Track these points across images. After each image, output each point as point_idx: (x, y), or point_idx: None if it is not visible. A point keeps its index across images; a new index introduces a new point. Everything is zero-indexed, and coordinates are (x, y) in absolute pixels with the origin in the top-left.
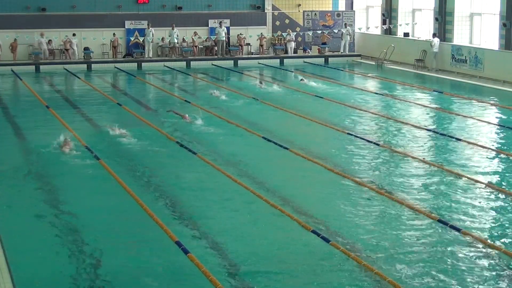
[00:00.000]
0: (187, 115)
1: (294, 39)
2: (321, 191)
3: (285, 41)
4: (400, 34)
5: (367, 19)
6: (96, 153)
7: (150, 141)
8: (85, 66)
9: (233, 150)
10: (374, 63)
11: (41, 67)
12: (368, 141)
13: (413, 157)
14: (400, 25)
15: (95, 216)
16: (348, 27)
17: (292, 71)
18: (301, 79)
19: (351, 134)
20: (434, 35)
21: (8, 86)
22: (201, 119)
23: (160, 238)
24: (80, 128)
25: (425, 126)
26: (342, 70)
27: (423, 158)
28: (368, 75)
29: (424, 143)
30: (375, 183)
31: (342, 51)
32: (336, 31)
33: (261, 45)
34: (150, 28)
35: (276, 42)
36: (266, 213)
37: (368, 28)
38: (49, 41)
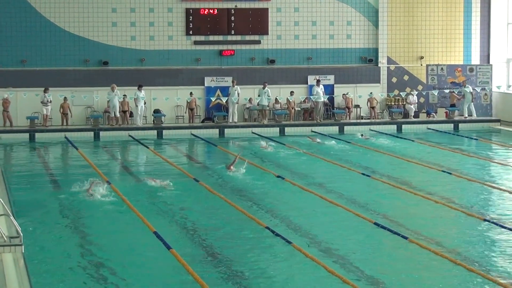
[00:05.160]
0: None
1: (416, 101)
2: None
3: (405, 103)
4: None
5: (507, 75)
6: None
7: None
8: (154, 132)
9: (332, 236)
10: None
11: (101, 133)
12: (510, 229)
13: None
14: None
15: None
16: (469, 86)
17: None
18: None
19: (488, 221)
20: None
21: (61, 156)
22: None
23: None
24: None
25: None
26: (476, 139)
27: None
28: (510, 145)
29: None
30: None
31: (466, 116)
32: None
33: (372, 107)
34: (235, 86)
35: (393, 103)
36: None
37: (509, 86)
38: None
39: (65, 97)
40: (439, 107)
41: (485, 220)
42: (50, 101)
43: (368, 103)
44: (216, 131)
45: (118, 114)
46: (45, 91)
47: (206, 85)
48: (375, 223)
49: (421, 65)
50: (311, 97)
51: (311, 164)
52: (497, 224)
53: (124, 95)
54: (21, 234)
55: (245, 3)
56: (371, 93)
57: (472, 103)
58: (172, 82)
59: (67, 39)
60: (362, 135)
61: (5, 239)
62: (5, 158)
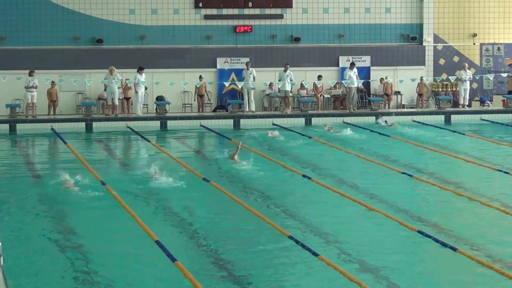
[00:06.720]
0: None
1: (471, 76)
2: None
3: (458, 80)
4: None
5: None
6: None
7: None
8: (157, 123)
9: (368, 246)
10: None
11: (94, 124)
12: None
13: None
14: None
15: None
16: None
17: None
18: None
19: None
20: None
21: (45, 151)
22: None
23: None
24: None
25: None
26: None
27: None
28: None
29: None
30: None
31: None
32: None
33: (420, 94)
34: (250, 69)
35: (440, 90)
36: None
37: None
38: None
39: (52, 81)
40: (495, 94)
41: None
42: (36, 86)
43: (418, 89)
44: (230, 121)
45: (116, 102)
46: (30, 74)
47: (218, 67)
48: (419, 231)
49: (474, 44)
50: (343, 82)
51: (341, 160)
52: None
53: (127, 79)
54: None
55: None
56: (422, 77)
57: None
58: (178, 64)
59: (54, 12)
60: (385, 121)
61: None
62: None
